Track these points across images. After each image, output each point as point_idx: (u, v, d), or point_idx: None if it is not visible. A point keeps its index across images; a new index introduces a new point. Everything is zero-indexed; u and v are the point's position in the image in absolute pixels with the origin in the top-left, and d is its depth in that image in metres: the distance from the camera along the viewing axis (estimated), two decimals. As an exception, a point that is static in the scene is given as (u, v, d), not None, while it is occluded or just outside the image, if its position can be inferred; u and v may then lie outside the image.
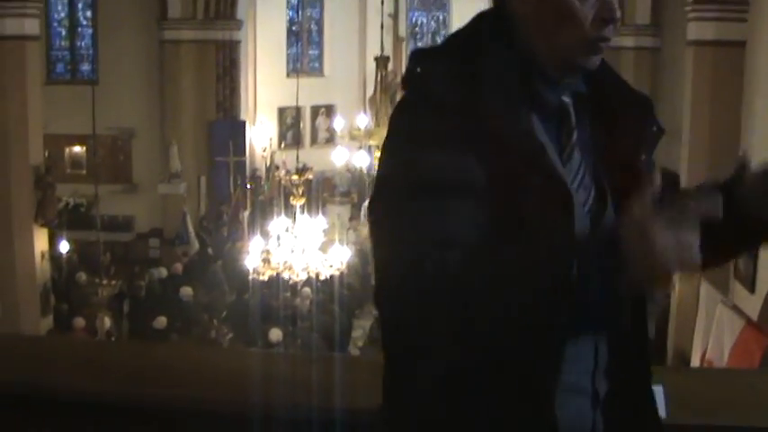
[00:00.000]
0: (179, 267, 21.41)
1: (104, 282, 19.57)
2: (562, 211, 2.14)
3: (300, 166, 18.79)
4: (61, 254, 21.65)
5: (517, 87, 2.22)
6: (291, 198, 18.34)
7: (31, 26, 18.82)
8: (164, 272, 21.47)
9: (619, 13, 2.24)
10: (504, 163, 2.12)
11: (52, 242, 20.14)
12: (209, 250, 23.05)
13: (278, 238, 17.50)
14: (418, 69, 2.30)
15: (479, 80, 2.19)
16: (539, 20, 2.24)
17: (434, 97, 2.20)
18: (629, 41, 23.66)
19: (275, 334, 17.06)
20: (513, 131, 2.15)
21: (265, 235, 18.00)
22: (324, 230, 18.26)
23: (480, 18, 2.36)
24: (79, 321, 18.25)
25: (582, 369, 2.29)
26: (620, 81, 2.44)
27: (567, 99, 2.31)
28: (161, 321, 17.91)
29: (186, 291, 19.16)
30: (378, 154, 26.15)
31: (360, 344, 19.77)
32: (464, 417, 2.21)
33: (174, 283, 20.29)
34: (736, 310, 11.63)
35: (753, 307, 13.60)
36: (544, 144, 2.19)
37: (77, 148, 27.74)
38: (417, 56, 2.35)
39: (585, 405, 2.31)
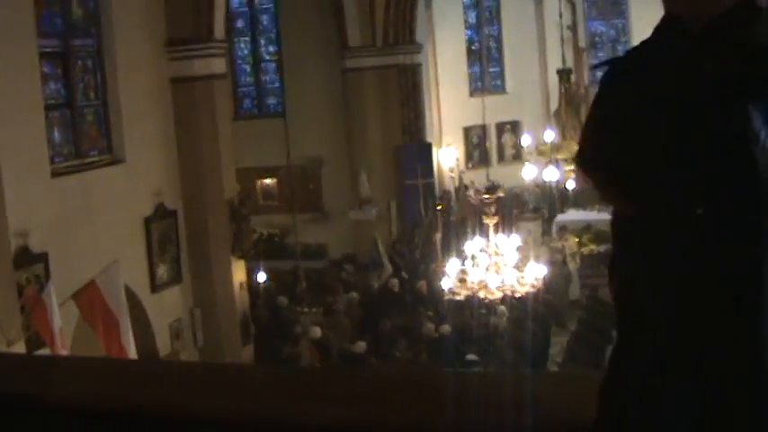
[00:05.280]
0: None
1: (305, 310, 19.83)
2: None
3: (490, 184, 18.67)
4: (259, 284, 22.04)
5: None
6: (484, 217, 18.27)
7: (218, 65, 19.37)
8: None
9: None
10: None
11: (249, 273, 20.56)
12: (404, 274, 23.10)
13: (473, 258, 17.44)
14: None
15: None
16: None
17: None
18: None
19: (472, 353, 17.06)
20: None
21: (461, 255, 17.96)
22: (518, 248, 18.13)
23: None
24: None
25: None
26: None
27: None
28: (360, 346, 18.03)
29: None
30: (567, 167, 26.00)
31: (558, 359, 19.56)
32: None
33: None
34: None
35: None
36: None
37: (268, 180, 28.33)
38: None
39: None
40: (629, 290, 2.45)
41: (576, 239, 25.31)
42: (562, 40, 27.17)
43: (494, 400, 3.34)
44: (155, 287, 17.62)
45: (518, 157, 31.79)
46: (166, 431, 3.55)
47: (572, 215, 27.18)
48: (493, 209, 17.89)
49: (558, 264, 23.48)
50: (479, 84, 32.05)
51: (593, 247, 25.49)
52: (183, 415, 3.54)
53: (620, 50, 33.01)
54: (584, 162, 2.55)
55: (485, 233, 18.21)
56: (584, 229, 25.74)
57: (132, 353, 13.78)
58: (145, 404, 3.63)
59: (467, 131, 31.75)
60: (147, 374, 4.26)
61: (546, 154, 26.43)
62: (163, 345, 17.55)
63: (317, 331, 18.74)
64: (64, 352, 12.80)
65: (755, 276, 2.26)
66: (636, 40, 28.43)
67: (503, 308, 18.90)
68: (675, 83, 2.30)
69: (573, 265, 24.58)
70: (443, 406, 3.35)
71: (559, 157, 25.89)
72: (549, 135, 26.90)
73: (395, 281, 22.15)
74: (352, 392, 3.62)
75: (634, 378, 2.40)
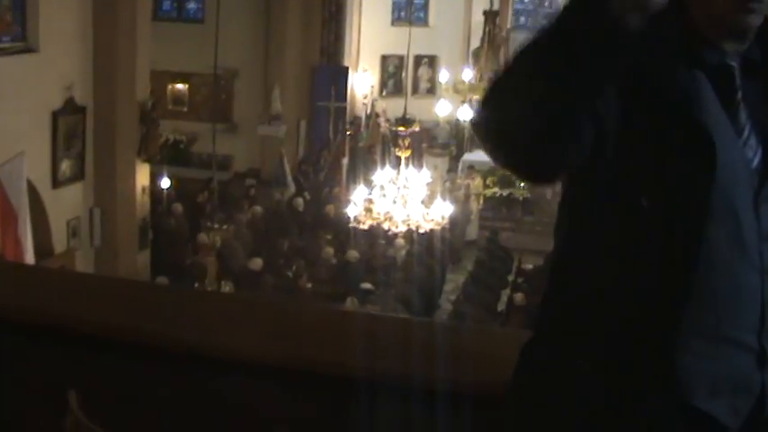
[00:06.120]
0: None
1: (216, 226, 19.65)
2: (703, 164, 2.20)
3: (407, 116, 18.64)
4: (162, 189, 21.82)
5: (676, 45, 2.28)
6: (396, 150, 18.30)
7: (143, -38, 18.94)
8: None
9: None
10: (650, 113, 2.22)
11: (153, 178, 20.33)
12: (306, 194, 23.07)
13: (381, 188, 17.47)
14: None
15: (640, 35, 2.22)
16: None
17: None
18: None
19: (368, 282, 17.18)
20: (667, 82, 2.24)
21: (368, 184, 17.98)
22: (427, 184, 18.23)
23: None
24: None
25: (745, 325, 2.29)
26: None
27: (732, 62, 2.33)
28: (256, 263, 18.00)
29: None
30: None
31: (452, 297, 19.77)
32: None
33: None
34: None
35: None
36: (701, 97, 2.25)
37: (180, 86, 27.97)
38: None
39: (748, 362, 2.31)
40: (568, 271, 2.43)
41: (482, 180, 25.52)
42: (493, -20, 27.24)
43: (411, 348, 3.36)
44: (56, 182, 17.26)
45: (432, 91, 31.92)
46: (82, 346, 3.50)
47: (480, 155, 27.27)
48: (406, 142, 17.90)
49: (460, 201, 23.66)
50: (402, 13, 31.88)
51: (496, 189, 25.78)
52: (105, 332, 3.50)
53: (546, -2, 33.22)
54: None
55: (395, 165, 18.24)
56: (490, 171, 25.95)
57: (29, 248, 13.59)
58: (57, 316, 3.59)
59: (384, 60, 31.74)
60: (55, 285, 4.20)
61: (462, 93, 26.59)
62: (59, 242, 17.28)
63: (218, 242, 18.74)
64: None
65: (689, 276, 2.24)
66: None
67: (401, 240, 19.03)
68: (660, 74, 2.24)
69: (475, 206, 24.80)
70: (358, 349, 3.35)
71: (475, 97, 26.05)
72: (467, 74, 27.04)
73: (299, 200, 22.13)
74: (270, 328, 3.62)
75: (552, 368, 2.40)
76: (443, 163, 28.12)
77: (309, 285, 17.60)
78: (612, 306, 2.29)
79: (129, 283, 5.75)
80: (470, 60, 29.44)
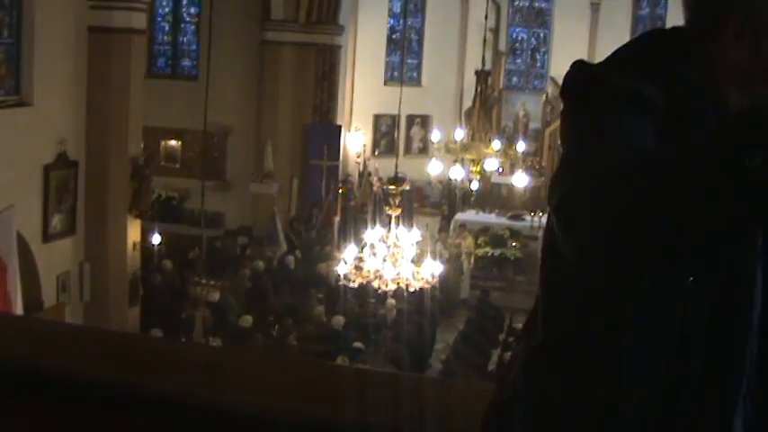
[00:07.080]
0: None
1: (203, 281, 19.55)
2: None
3: (398, 175, 18.68)
4: (153, 245, 21.78)
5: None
6: (387, 208, 18.30)
7: (138, 20, 19.11)
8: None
9: None
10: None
11: (144, 233, 20.32)
12: (297, 252, 23.06)
13: (372, 246, 17.45)
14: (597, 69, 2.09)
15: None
16: (745, 70, 2.02)
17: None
18: None
19: (359, 341, 17.13)
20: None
21: (359, 242, 17.96)
22: (417, 242, 18.22)
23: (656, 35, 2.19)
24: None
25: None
26: None
27: None
28: (246, 320, 17.95)
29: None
30: (473, 168, 26.30)
31: (442, 356, 19.70)
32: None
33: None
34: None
35: None
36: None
37: (172, 142, 28.04)
38: (582, 63, 2.13)
39: None
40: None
41: (473, 239, 25.53)
42: (485, 41, 27.32)
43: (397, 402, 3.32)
44: (47, 236, 17.27)
45: (424, 150, 32.03)
46: (57, 395, 3.46)
47: (471, 215, 27.38)
48: (397, 200, 17.91)
49: (451, 260, 23.65)
50: (395, 73, 32.03)
51: (488, 249, 25.77)
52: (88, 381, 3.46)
53: (538, 60, 33.42)
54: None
55: (385, 223, 18.23)
56: (482, 231, 25.99)
57: (17, 301, 13.51)
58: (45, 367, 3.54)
59: (377, 119, 31.87)
60: (51, 336, 4.15)
61: (454, 152, 26.68)
62: (48, 296, 17.22)
63: (215, 297, 18.64)
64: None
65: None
66: (556, 52, 28.60)
67: (392, 301, 18.97)
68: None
69: (466, 265, 24.79)
70: (347, 404, 3.32)
71: (467, 156, 26.14)
72: (459, 134, 27.16)
73: (291, 258, 22.13)
74: (260, 382, 3.58)
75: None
76: (434, 222, 28.14)
77: (298, 344, 17.53)
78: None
79: (113, 333, 5.72)
80: (463, 120, 29.54)
